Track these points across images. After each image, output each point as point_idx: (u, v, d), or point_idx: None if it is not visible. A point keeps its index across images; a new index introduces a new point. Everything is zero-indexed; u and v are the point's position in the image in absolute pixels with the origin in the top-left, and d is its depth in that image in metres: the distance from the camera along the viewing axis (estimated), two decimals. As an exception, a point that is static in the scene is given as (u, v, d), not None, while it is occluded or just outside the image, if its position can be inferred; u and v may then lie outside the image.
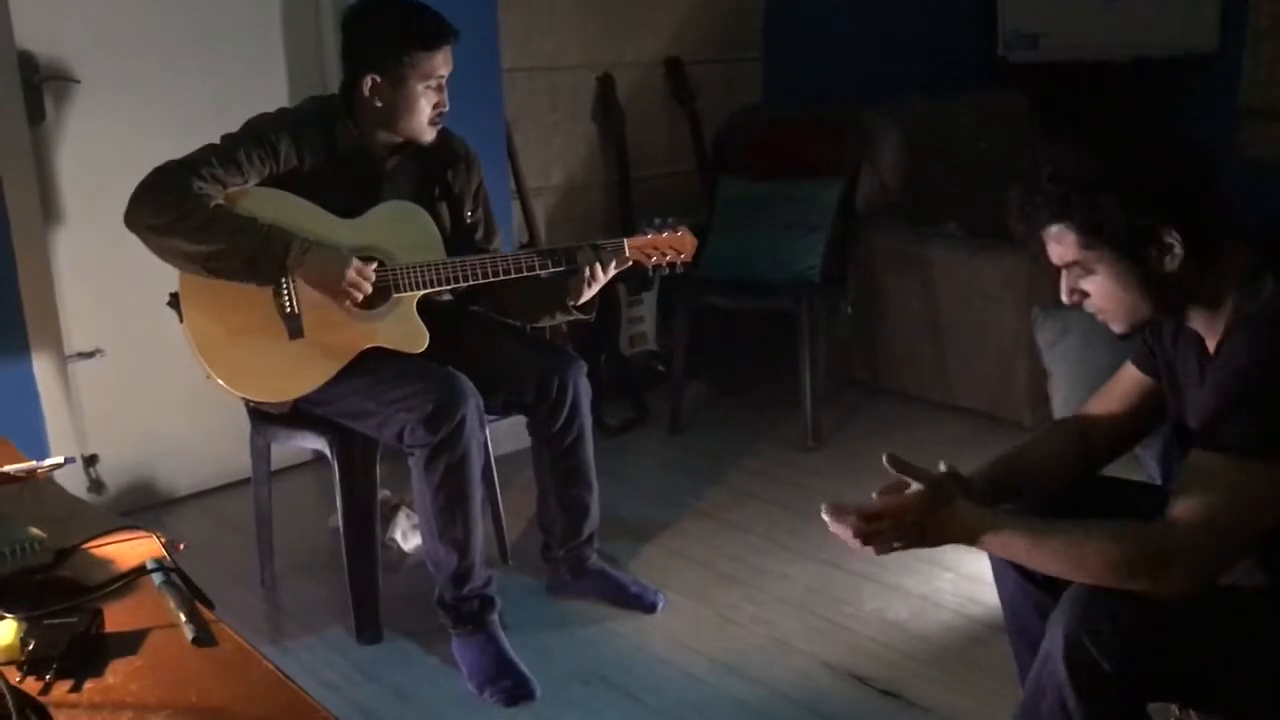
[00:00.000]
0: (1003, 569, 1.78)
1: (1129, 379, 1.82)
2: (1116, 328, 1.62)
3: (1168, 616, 1.45)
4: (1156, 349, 1.76)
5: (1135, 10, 4.57)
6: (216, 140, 2.32)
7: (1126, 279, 1.54)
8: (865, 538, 1.60)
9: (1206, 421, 1.51)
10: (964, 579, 2.67)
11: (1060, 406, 2.58)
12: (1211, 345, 1.60)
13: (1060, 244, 1.57)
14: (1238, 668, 1.49)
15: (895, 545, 1.62)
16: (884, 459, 1.73)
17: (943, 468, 1.72)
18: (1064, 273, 1.60)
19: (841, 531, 1.62)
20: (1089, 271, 1.57)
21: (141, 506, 3.14)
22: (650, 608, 2.63)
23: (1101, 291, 1.58)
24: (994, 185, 4.40)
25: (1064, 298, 1.62)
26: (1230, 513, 1.44)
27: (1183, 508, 1.47)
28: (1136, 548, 1.47)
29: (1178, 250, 1.51)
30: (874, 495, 1.70)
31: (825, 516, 1.63)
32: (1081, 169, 1.53)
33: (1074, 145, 1.56)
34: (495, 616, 2.42)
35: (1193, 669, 1.48)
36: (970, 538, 1.60)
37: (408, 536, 2.90)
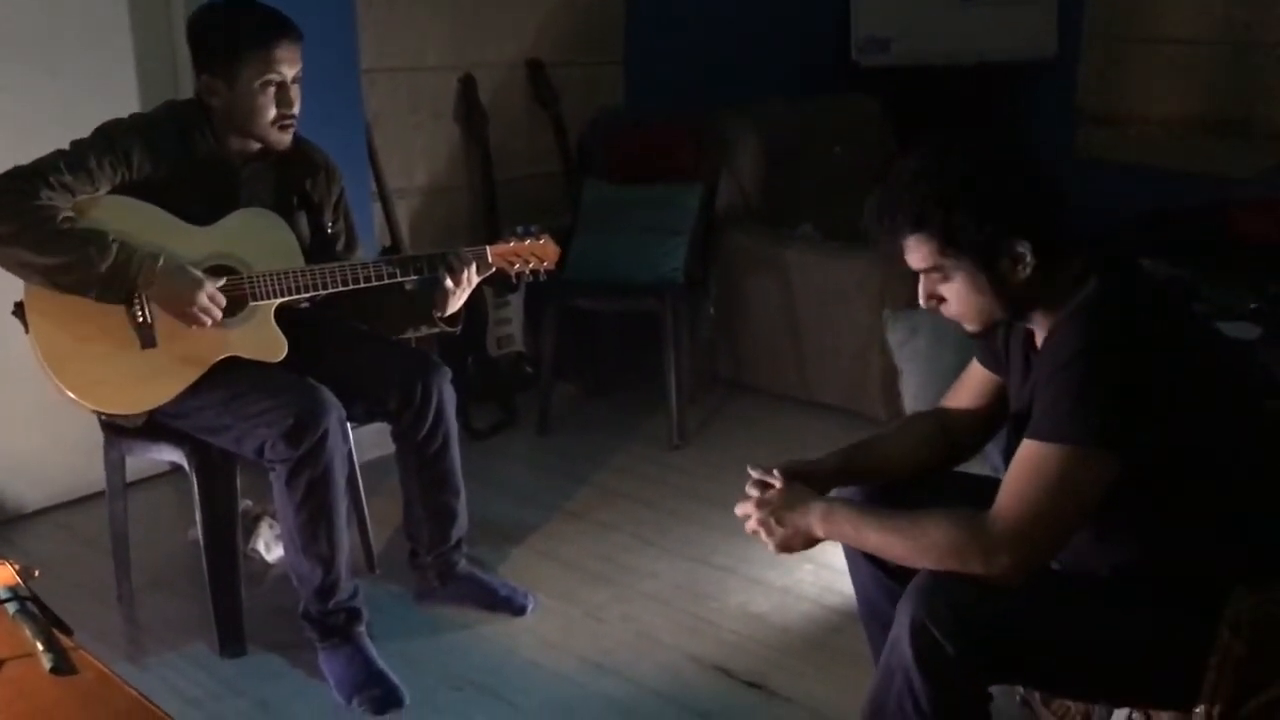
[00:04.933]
0: (856, 559, 1.87)
1: (976, 376, 1.92)
2: (970, 328, 1.71)
3: (1005, 600, 1.55)
4: (992, 343, 1.85)
5: (980, 17, 4.78)
6: (66, 146, 2.25)
7: (981, 285, 1.63)
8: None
9: (1032, 413, 1.60)
10: (823, 569, 2.76)
11: (911, 403, 2.70)
12: (1039, 341, 1.70)
13: (918, 251, 1.65)
14: (1070, 647, 1.59)
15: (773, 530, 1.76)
16: (749, 469, 1.84)
17: (776, 474, 1.82)
18: (922, 278, 1.69)
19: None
20: (946, 278, 1.65)
21: (-14, 524, 3.03)
22: (520, 611, 2.64)
23: (957, 296, 1.67)
24: (848, 188, 4.57)
25: (922, 302, 1.71)
26: (1053, 499, 1.54)
27: (1009, 496, 1.57)
28: (968, 535, 1.57)
29: (1029, 259, 1.61)
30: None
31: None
32: (939, 182, 1.61)
33: (931, 157, 1.65)
34: (362, 628, 2.40)
35: (1030, 650, 1.58)
36: (812, 520, 1.72)
37: (270, 547, 2.86)
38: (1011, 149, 1.68)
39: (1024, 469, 1.56)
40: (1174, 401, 1.53)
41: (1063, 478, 1.53)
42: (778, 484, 1.80)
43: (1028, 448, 1.57)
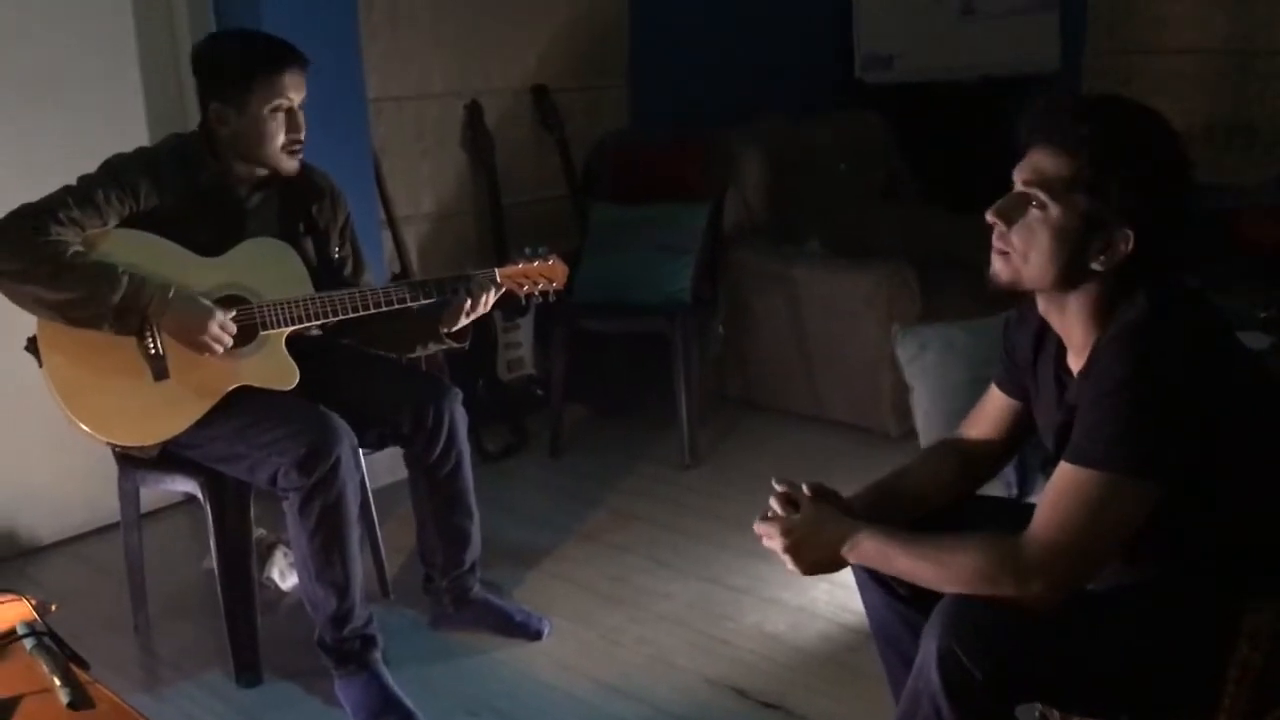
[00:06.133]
0: (866, 582, 1.84)
1: (994, 402, 1.87)
2: (1002, 275, 1.61)
3: (1030, 623, 1.52)
4: (1013, 369, 1.82)
5: (983, 33, 4.79)
6: (74, 182, 2.27)
7: (1059, 236, 1.54)
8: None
9: (1074, 437, 1.55)
10: (838, 588, 2.75)
11: (923, 419, 2.69)
12: (1073, 361, 1.65)
13: (1045, 165, 1.55)
14: (1093, 667, 1.56)
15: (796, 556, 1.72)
16: (773, 483, 1.81)
17: (805, 489, 1.79)
18: (1016, 191, 1.59)
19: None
20: (1041, 206, 1.55)
21: (2, 558, 3.03)
22: (536, 636, 2.64)
23: (1030, 231, 1.57)
24: (854, 204, 4.56)
25: (991, 212, 1.60)
26: (1092, 525, 1.50)
27: (1046, 519, 1.53)
28: (1000, 559, 1.53)
29: (1117, 257, 1.54)
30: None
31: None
32: (1125, 132, 1.53)
33: (1143, 114, 1.56)
34: (378, 654, 2.40)
35: (1056, 671, 1.55)
36: (840, 543, 1.68)
37: (285, 575, 2.87)
38: (1189, 168, 1.58)
39: (1062, 493, 1.52)
40: (1219, 430, 1.50)
41: (1104, 505, 1.50)
42: (806, 494, 1.77)
43: (1067, 471, 1.53)
